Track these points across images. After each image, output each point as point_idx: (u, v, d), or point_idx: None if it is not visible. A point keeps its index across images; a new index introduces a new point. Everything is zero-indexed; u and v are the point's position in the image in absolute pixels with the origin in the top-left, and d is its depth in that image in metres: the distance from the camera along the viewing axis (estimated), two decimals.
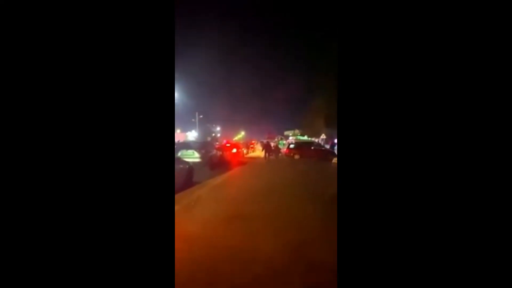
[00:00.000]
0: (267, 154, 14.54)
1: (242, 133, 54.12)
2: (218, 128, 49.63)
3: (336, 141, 18.37)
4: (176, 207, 3.34)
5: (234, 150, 13.57)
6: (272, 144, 17.27)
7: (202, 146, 9.72)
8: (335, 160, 5.09)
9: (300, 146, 14.93)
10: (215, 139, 34.27)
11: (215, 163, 9.29)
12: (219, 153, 10.73)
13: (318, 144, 15.92)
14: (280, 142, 27.63)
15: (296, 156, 13.88)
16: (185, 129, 33.81)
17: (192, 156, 8.04)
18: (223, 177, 6.80)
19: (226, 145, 13.84)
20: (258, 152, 21.06)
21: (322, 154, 13.86)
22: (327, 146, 16.94)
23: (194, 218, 3.00)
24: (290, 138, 30.51)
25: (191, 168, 5.64)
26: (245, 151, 17.51)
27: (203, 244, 2.21)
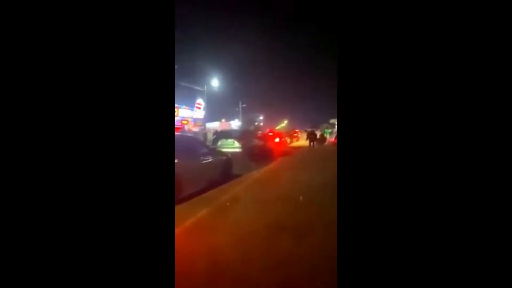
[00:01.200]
0: (312, 143, 14.26)
1: (285, 121, 53.11)
2: (261, 117, 49.28)
3: None
4: (205, 210, 2.79)
5: (277, 140, 12.85)
6: (318, 134, 16.23)
7: (243, 135, 9.22)
8: None
9: None
10: (258, 127, 33.97)
11: (257, 153, 8.71)
12: (261, 142, 10.14)
13: None
14: (325, 130, 25.91)
15: None
16: (228, 119, 34.23)
17: (232, 146, 7.59)
18: (265, 169, 6.17)
19: (269, 134, 13.16)
20: (302, 141, 19.93)
21: None
22: None
23: (225, 226, 2.39)
24: (337, 126, 28.39)
25: (228, 159, 5.12)
26: (288, 140, 16.61)
27: (232, 272, 1.55)
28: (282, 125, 51.21)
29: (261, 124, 45.18)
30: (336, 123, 39.33)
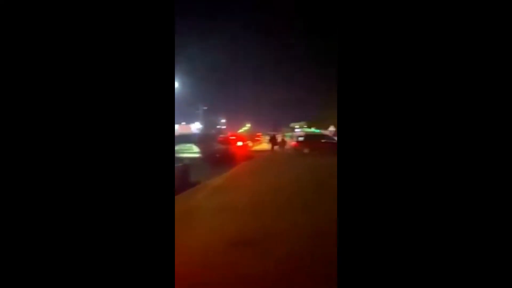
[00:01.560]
0: (273, 147, 14.73)
1: (248, 125, 53.27)
2: (223, 120, 48.65)
3: None
4: None
5: (240, 143, 12.62)
6: (280, 137, 16.59)
7: (203, 139, 8.78)
8: None
9: (309, 138, 13.75)
10: (220, 131, 33.40)
11: (219, 158, 8.35)
12: (223, 146, 9.80)
13: (329, 137, 14.70)
14: (286, 134, 26.60)
15: (306, 150, 12.77)
16: (189, 122, 32.94)
17: (190, 151, 7.10)
18: (227, 175, 5.89)
19: (231, 137, 12.86)
20: (265, 145, 20.09)
21: (333, 147, 12.78)
22: (336, 139, 15.84)
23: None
24: (297, 130, 29.33)
25: (185, 167, 4.70)
26: (250, 144, 16.54)
27: None
28: (245, 128, 51.33)
29: (224, 127, 44.67)
30: (296, 127, 40.91)
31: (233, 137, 13.02)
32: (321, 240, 2.03)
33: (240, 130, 47.74)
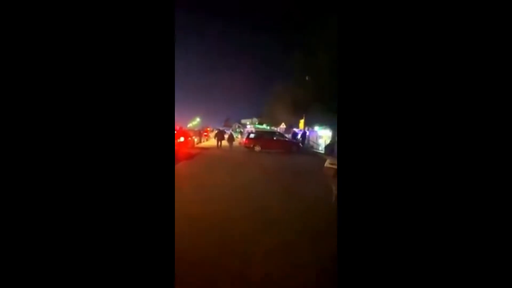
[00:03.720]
0: (219, 143, 13.82)
1: (198, 119, 50.47)
2: None
3: (296, 130, 16.88)
4: None
5: (182, 139, 10.75)
6: (228, 133, 15.75)
7: None
8: (328, 163, 2.84)
9: (261, 136, 12.69)
10: None
11: None
12: None
13: (280, 134, 13.86)
14: (236, 130, 25.38)
15: (257, 148, 11.68)
16: None
17: None
18: None
19: None
20: (213, 141, 18.43)
21: (286, 146, 11.98)
22: (288, 136, 15.25)
23: None
24: (248, 126, 28.33)
25: None
26: (196, 140, 14.65)
27: None
28: (194, 122, 48.49)
29: None
30: (247, 123, 40.05)
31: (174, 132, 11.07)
32: None
33: (189, 125, 44.82)
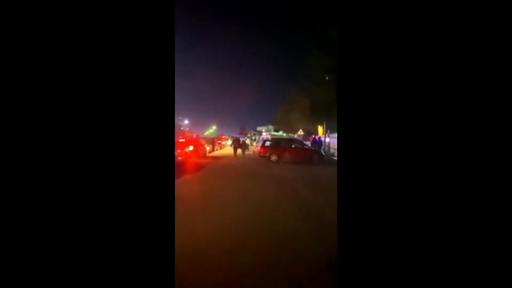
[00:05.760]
0: (235, 151, 13.06)
1: (214, 127, 50.39)
2: (186, 122, 44.87)
3: (317, 137, 15.50)
4: None
5: (191, 148, 9.87)
6: (241, 140, 15.08)
7: None
8: None
9: (278, 143, 11.39)
10: (180, 132, 29.99)
11: None
12: None
13: (300, 142, 12.45)
14: (252, 138, 24.43)
15: (273, 157, 10.43)
16: None
17: None
18: None
19: (180, 141, 10.05)
20: (228, 149, 17.50)
21: (306, 155, 10.66)
22: (308, 144, 13.93)
23: None
24: (264, 134, 27.26)
25: None
26: (208, 148, 13.74)
27: None
28: (211, 130, 48.40)
29: (186, 129, 41.06)
30: (263, 130, 39.12)
31: (182, 140, 10.20)
32: None
33: (206, 133, 44.64)
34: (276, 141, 11.98)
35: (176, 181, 5.25)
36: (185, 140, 10.26)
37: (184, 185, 5.07)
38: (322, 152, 12.11)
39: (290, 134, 22.70)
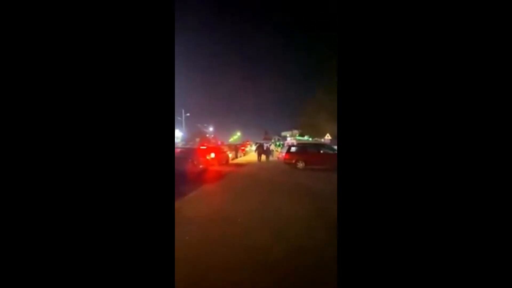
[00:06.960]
0: (259, 157, 13.09)
1: (238, 134, 50.51)
2: (211, 129, 45.40)
3: None
4: None
5: (212, 155, 9.38)
6: (265, 146, 14.76)
7: None
8: None
9: (304, 149, 10.43)
10: (204, 140, 30.16)
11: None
12: (184, 160, 6.57)
13: (329, 147, 11.26)
14: (276, 143, 23.62)
15: (300, 164, 9.55)
16: None
17: None
18: None
19: (201, 148, 9.64)
20: (252, 155, 16.92)
21: (336, 161, 9.64)
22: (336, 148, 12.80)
23: None
24: (289, 139, 26.31)
25: None
26: (231, 155, 13.25)
27: None
28: (235, 137, 48.54)
29: (212, 136, 41.43)
30: (287, 135, 38.10)
31: (204, 147, 9.78)
32: None
33: (231, 139, 44.80)
34: (302, 147, 11.09)
35: (189, 195, 4.70)
36: (206, 147, 9.83)
37: (197, 201, 4.48)
38: None
39: (316, 139, 21.53)
